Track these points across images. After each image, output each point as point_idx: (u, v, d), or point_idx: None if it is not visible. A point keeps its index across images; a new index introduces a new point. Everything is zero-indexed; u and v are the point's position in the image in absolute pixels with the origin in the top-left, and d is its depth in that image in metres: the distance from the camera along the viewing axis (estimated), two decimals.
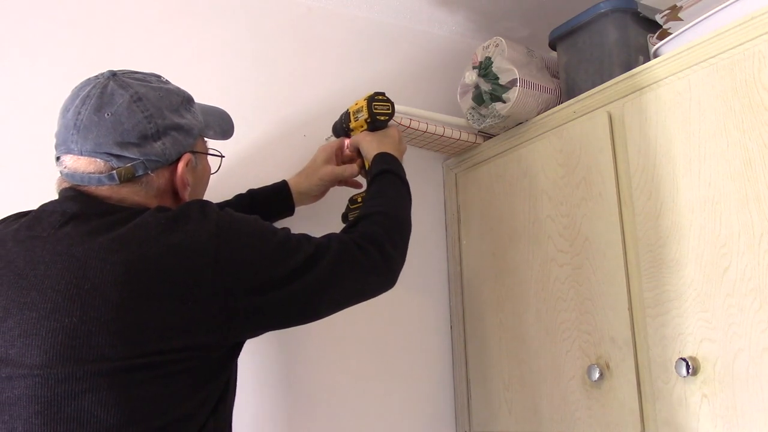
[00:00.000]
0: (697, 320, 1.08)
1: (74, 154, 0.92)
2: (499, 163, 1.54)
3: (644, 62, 1.24)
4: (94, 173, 0.92)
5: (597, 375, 1.20)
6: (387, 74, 1.71)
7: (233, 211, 0.97)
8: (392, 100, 1.38)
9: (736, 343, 1.02)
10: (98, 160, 0.92)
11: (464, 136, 1.56)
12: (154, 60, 1.43)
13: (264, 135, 1.52)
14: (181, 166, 0.98)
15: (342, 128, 1.41)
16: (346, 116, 1.40)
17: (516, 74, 1.41)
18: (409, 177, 1.67)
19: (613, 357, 1.21)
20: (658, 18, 1.32)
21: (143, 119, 0.93)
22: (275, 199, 1.38)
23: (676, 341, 1.10)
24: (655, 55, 1.23)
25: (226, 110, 1.17)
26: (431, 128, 1.51)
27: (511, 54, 1.45)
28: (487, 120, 1.48)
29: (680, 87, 1.15)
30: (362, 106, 1.36)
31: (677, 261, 1.12)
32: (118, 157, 0.92)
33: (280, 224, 1.37)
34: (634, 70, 1.23)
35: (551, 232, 1.36)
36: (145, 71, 1.02)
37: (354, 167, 1.40)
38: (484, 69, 1.47)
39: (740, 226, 1.03)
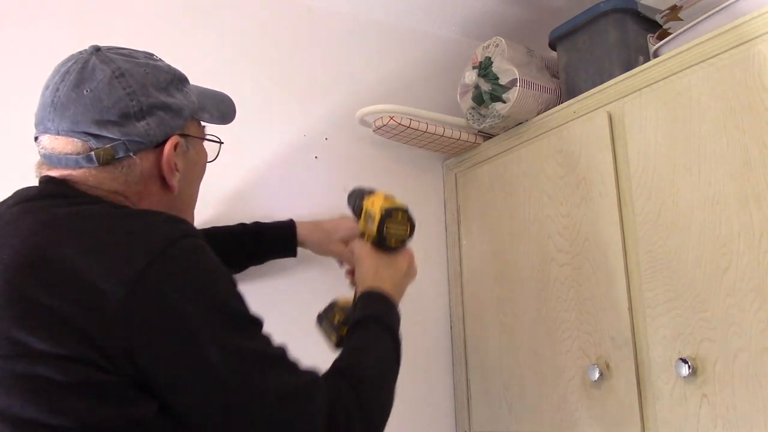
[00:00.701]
0: (697, 320, 1.08)
1: (51, 133, 0.86)
2: (499, 163, 1.54)
3: (644, 62, 1.24)
4: (71, 154, 0.85)
5: (597, 375, 1.20)
6: (387, 74, 1.71)
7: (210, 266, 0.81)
8: (414, 220, 1.13)
9: (736, 343, 1.02)
10: (76, 139, 0.85)
11: (464, 136, 1.56)
12: None
13: (263, 135, 1.52)
14: (167, 148, 0.89)
15: (353, 210, 1.21)
16: (358, 201, 1.18)
17: (516, 74, 1.41)
18: (409, 177, 1.68)
19: (613, 357, 1.21)
20: (658, 18, 1.32)
21: (125, 96, 0.85)
22: (282, 239, 1.34)
23: (676, 341, 1.10)
24: (655, 55, 1.23)
25: (227, 94, 1.09)
26: (431, 128, 1.51)
27: (511, 54, 1.45)
28: (487, 120, 1.48)
29: (680, 87, 1.15)
30: (375, 213, 1.11)
31: (677, 261, 1.12)
32: (96, 137, 0.84)
33: (280, 264, 1.38)
34: (634, 70, 1.24)
35: (551, 232, 1.36)
36: (135, 48, 0.94)
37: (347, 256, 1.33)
38: (484, 69, 1.47)
39: (740, 226, 1.03)
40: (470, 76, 1.50)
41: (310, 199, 1.54)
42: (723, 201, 1.06)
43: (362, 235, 1.15)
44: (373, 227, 1.10)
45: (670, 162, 1.15)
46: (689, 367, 1.06)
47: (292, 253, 1.35)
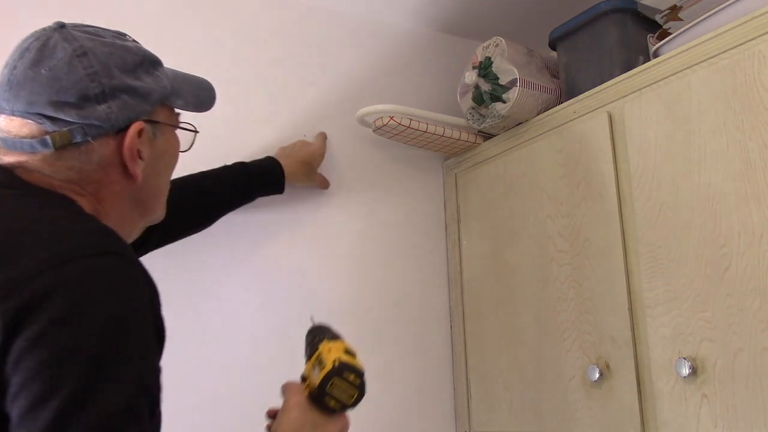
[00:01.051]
0: (697, 320, 1.08)
1: (6, 114, 0.80)
2: (499, 163, 1.54)
3: (644, 62, 1.24)
4: (26, 138, 0.79)
5: (597, 375, 1.21)
6: (387, 74, 1.71)
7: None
8: (365, 389, 0.94)
9: (736, 343, 1.02)
10: (30, 121, 0.79)
11: (464, 136, 1.56)
12: None
13: (263, 135, 1.52)
14: (130, 134, 0.82)
15: (307, 346, 1.02)
16: (316, 340, 0.99)
17: (516, 74, 1.41)
18: (409, 177, 1.68)
19: (613, 357, 1.21)
20: (658, 18, 1.32)
21: (85, 77, 0.79)
22: (269, 176, 1.38)
23: (676, 341, 1.10)
24: (655, 55, 1.23)
25: (208, 80, 1.02)
26: (431, 128, 1.51)
27: (511, 54, 1.45)
28: (487, 120, 1.48)
29: (680, 87, 1.15)
30: (327, 363, 0.92)
31: (677, 261, 1.12)
32: (52, 119, 0.78)
33: (271, 200, 1.40)
34: (634, 70, 1.24)
35: (551, 232, 1.36)
36: (106, 27, 0.89)
37: (327, 182, 1.50)
38: (484, 69, 1.47)
39: (740, 226, 1.03)
40: (470, 76, 1.50)
41: (310, 199, 1.54)
42: (723, 201, 1.06)
43: (303, 379, 0.97)
44: (317, 378, 0.92)
45: (670, 162, 1.15)
46: (689, 367, 1.06)
47: (280, 190, 1.39)
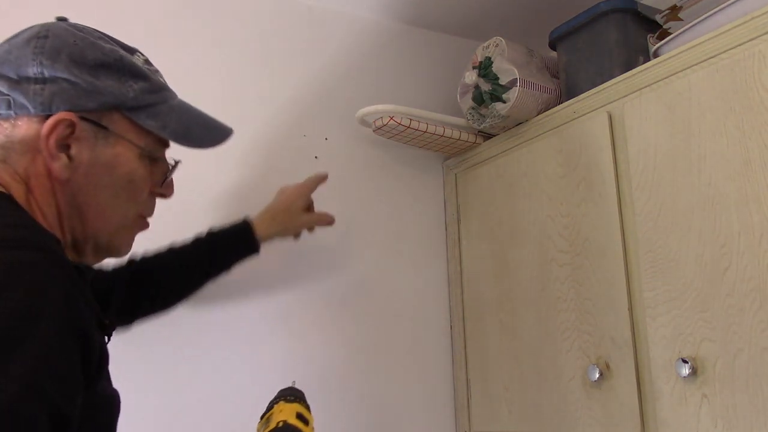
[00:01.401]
0: (697, 320, 1.08)
1: None
2: (499, 163, 1.54)
3: (644, 62, 1.24)
4: None
5: (597, 375, 1.21)
6: (387, 74, 1.71)
7: None
8: None
9: (736, 343, 1.02)
10: None
11: (464, 136, 1.56)
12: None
13: (263, 135, 1.52)
14: (49, 121, 0.76)
15: (268, 404, 1.03)
16: (275, 400, 1.02)
17: (516, 74, 1.41)
18: (409, 177, 1.68)
19: (613, 357, 1.21)
20: (658, 18, 1.32)
21: (30, 54, 0.78)
22: (238, 243, 1.28)
23: (676, 341, 1.10)
24: (655, 55, 1.23)
25: (226, 125, 0.97)
26: (431, 128, 1.51)
27: (511, 54, 1.45)
28: (487, 120, 1.48)
29: (680, 87, 1.15)
30: (272, 422, 0.94)
31: (677, 261, 1.12)
32: None
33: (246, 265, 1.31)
34: (634, 70, 1.23)
35: (551, 232, 1.36)
36: (119, 39, 0.88)
37: (329, 217, 1.40)
38: (484, 69, 1.47)
39: (740, 226, 1.03)
40: (470, 76, 1.50)
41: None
42: (723, 201, 1.06)
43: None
44: None
45: (670, 162, 1.15)
46: (689, 367, 1.06)
47: (256, 251, 1.30)
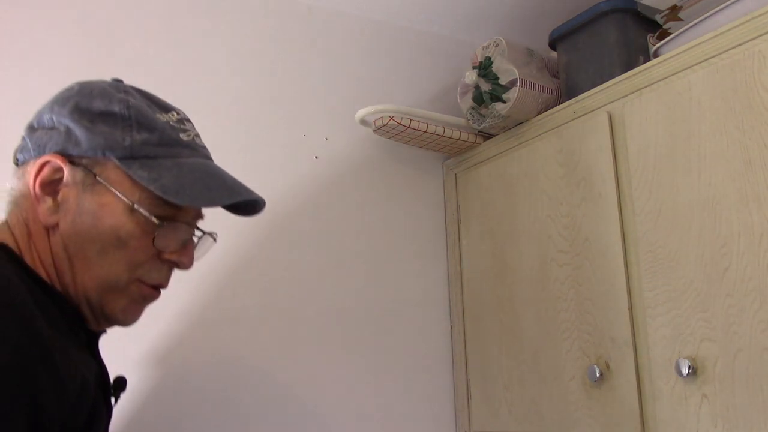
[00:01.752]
0: (697, 320, 1.08)
1: None
2: (499, 163, 1.54)
3: (644, 62, 1.24)
4: None
5: (597, 375, 1.21)
6: (387, 74, 1.71)
7: None
8: None
9: (736, 343, 1.02)
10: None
11: (464, 136, 1.56)
12: (153, 60, 1.43)
13: (263, 135, 1.52)
14: (36, 163, 0.76)
15: None
16: None
17: (516, 74, 1.41)
18: (409, 177, 1.68)
19: (613, 357, 1.21)
20: (658, 18, 1.32)
21: (49, 103, 0.81)
22: None
23: (676, 341, 1.10)
24: (655, 55, 1.23)
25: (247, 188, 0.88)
26: (431, 128, 1.51)
27: (511, 54, 1.45)
28: (487, 120, 1.48)
29: (680, 87, 1.15)
30: None
31: (677, 261, 1.12)
32: (23, 138, 0.82)
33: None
34: (634, 70, 1.24)
35: (551, 232, 1.36)
36: (160, 96, 0.89)
37: None
38: (484, 69, 1.47)
39: (740, 226, 1.03)
40: (470, 76, 1.50)
41: (310, 199, 1.54)
42: (723, 201, 1.06)
43: None
44: None
45: (670, 162, 1.15)
46: (689, 367, 1.06)
47: None
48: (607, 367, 1.21)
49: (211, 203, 0.83)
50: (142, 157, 0.78)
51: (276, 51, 1.58)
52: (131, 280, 0.79)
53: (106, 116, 0.79)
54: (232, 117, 1.49)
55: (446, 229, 1.69)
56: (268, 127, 1.53)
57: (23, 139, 0.81)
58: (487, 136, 1.57)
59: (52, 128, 0.78)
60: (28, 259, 0.76)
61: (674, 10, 1.28)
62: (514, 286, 1.45)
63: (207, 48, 1.50)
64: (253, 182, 1.47)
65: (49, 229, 0.77)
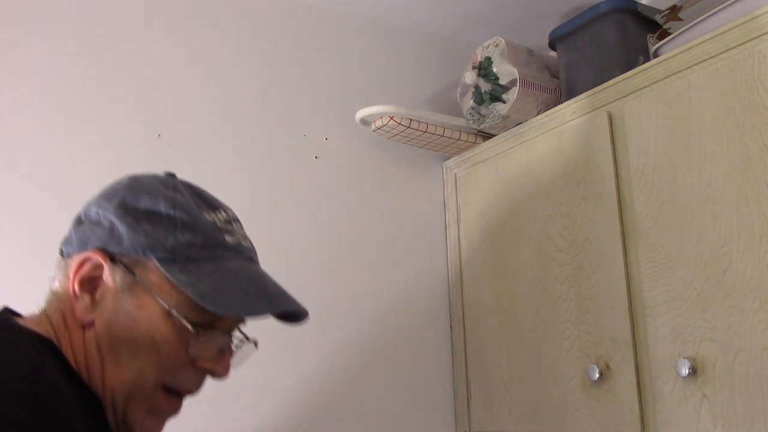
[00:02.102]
0: (697, 320, 1.08)
1: None
2: (499, 163, 1.54)
3: (644, 62, 1.24)
4: None
5: (597, 375, 1.20)
6: (387, 74, 1.71)
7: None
8: None
9: (736, 343, 1.02)
10: None
11: (464, 136, 1.56)
12: (153, 60, 1.43)
13: (263, 135, 1.52)
14: (76, 260, 0.75)
15: None
16: None
17: (516, 74, 1.41)
18: (409, 177, 1.68)
19: (613, 357, 1.20)
20: (658, 18, 1.32)
21: (97, 197, 0.80)
22: None
23: (676, 341, 1.10)
24: (655, 55, 1.23)
25: (282, 289, 0.87)
26: (431, 128, 1.51)
27: (511, 54, 1.45)
28: (487, 120, 1.48)
29: (680, 87, 1.15)
30: None
31: (677, 261, 1.12)
32: (70, 230, 0.81)
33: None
34: (634, 70, 1.23)
35: (551, 232, 1.36)
36: (211, 194, 0.85)
37: None
38: (484, 69, 1.47)
39: (740, 226, 1.03)
40: (470, 76, 1.50)
41: (310, 199, 1.54)
42: (723, 201, 1.06)
43: None
44: None
45: (670, 162, 1.15)
46: (689, 367, 1.06)
47: None
48: (607, 367, 1.21)
49: (249, 313, 0.80)
50: (183, 259, 0.76)
51: (276, 51, 1.58)
52: (158, 384, 0.75)
53: (151, 215, 0.77)
54: (232, 117, 1.49)
55: (446, 229, 1.69)
56: (268, 127, 1.53)
57: (69, 231, 0.80)
58: (487, 136, 1.57)
59: (97, 223, 0.77)
60: (65, 353, 0.74)
61: (674, 10, 1.28)
62: (514, 286, 1.45)
63: (207, 48, 1.50)
64: (254, 182, 1.48)
65: (85, 326, 0.75)
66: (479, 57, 1.50)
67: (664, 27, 1.30)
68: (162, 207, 0.77)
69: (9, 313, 0.77)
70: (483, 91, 1.47)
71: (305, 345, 1.46)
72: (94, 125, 1.35)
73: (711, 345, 1.05)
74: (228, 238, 0.80)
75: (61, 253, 0.79)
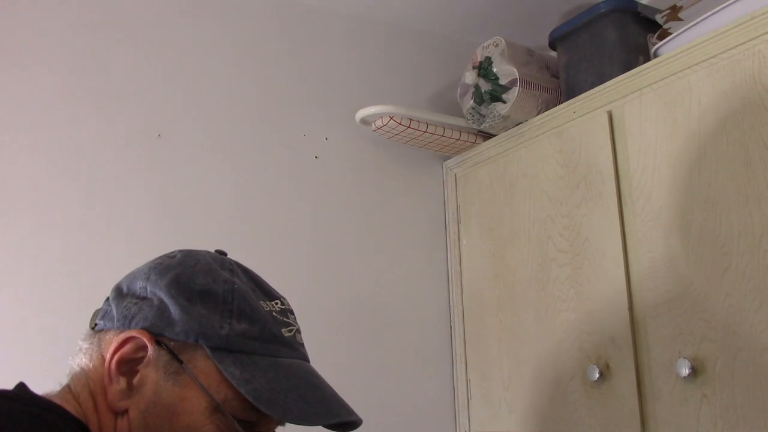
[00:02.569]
0: (697, 320, 1.08)
1: None
2: (499, 163, 1.54)
3: (644, 62, 1.24)
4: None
5: (597, 375, 1.20)
6: (387, 74, 1.71)
7: None
8: None
9: (736, 343, 1.02)
10: None
11: (464, 136, 1.56)
12: (153, 60, 1.43)
13: (263, 135, 1.52)
14: (119, 337, 0.68)
15: None
16: None
17: (516, 74, 1.41)
18: (409, 177, 1.68)
19: (613, 357, 1.20)
20: (658, 18, 1.32)
21: (146, 270, 0.74)
22: None
23: (676, 341, 1.10)
24: (655, 55, 1.23)
25: (335, 394, 0.80)
26: (431, 128, 1.51)
27: (511, 54, 1.45)
28: (487, 120, 1.48)
29: (680, 87, 1.15)
30: None
31: (677, 261, 1.12)
32: (106, 301, 0.75)
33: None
34: (634, 70, 1.23)
35: (551, 232, 1.36)
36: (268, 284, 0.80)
37: None
38: (484, 69, 1.47)
39: (740, 226, 1.03)
40: (470, 76, 1.50)
41: (310, 199, 1.54)
42: (723, 201, 1.06)
43: None
44: None
45: (670, 162, 1.15)
46: (689, 367, 1.06)
47: None
48: (607, 367, 1.21)
49: (305, 421, 0.71)
50: (237, 350, 0.69)
51: (276, 51, 1.58)
52: None
53: (206, 296, 0.70)
54: (232, 117, 1.49)
55: (446, 229, 1.69)
56: (268, 127, 1.53)
57: (107, 302, 0.73)
58: (487, 136, 1.57)
59: (144, 298, 0.70)
60: None
61: (674, 10, 1.28)
62: (514, 286, 1.45)
63: (207, 48, 1.50)
64: (254, 182, 1.48)
65: (117, 414, 0.68)
66: (479, 57, 1.50)
67: (664, 27, 1.30)
68: (219, 290, 0.71)
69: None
70: (483, 91, 1.47)
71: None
72: (94, 125, 1.35)
73: (711, 345, 1.05)
74: (284, 332, 0.75)
75: (93, 327, 0.73)
